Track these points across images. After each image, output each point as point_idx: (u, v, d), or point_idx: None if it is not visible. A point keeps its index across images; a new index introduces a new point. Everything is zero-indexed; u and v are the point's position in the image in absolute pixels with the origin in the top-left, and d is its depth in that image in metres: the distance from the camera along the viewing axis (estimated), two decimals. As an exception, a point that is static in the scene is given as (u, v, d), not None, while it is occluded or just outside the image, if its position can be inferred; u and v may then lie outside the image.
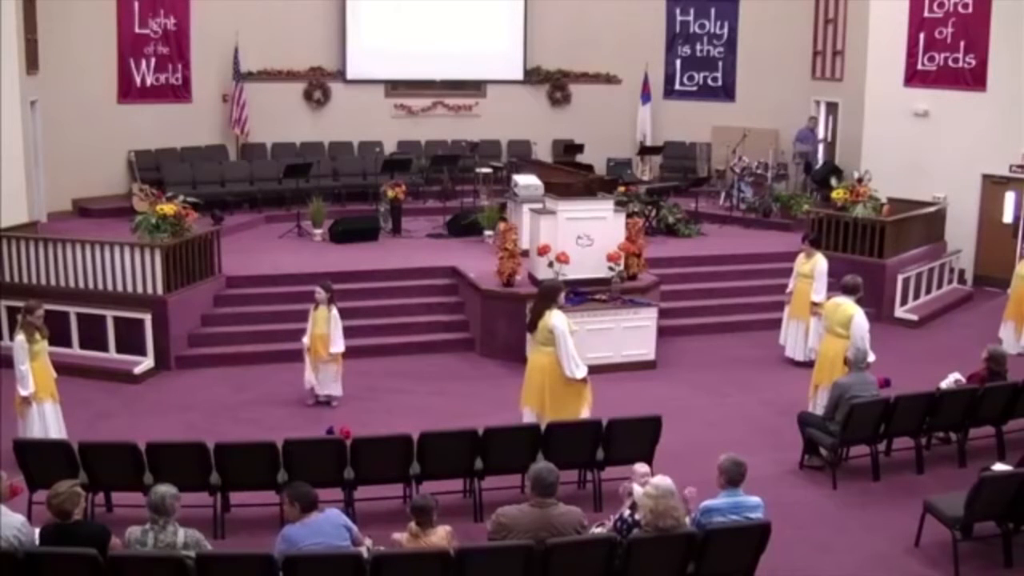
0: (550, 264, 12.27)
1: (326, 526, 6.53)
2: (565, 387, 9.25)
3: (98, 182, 16.97)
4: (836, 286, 11.24)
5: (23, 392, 9.13)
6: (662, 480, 6.56)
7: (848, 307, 10.07)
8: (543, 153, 19.69)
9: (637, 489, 7.22)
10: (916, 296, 14.82)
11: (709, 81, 20.22)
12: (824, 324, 10.67)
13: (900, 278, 14.39)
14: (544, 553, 6.31)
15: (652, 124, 20.11)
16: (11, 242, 12.58)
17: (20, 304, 12.04)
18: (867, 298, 11.14)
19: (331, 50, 19.12)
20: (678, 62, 20.36)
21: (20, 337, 9.17)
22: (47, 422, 9.25)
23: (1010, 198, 15.69)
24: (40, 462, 8.02)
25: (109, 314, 11.97)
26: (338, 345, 10.86)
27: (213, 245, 13.11)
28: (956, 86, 16.08)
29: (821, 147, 18.90)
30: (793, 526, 7.93)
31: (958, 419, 9.54)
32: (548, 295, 9.50)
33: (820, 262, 12.25)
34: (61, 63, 15.90)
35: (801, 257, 12.51)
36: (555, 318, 9.25)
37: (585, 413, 9.28)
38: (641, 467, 7.48)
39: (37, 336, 9.27)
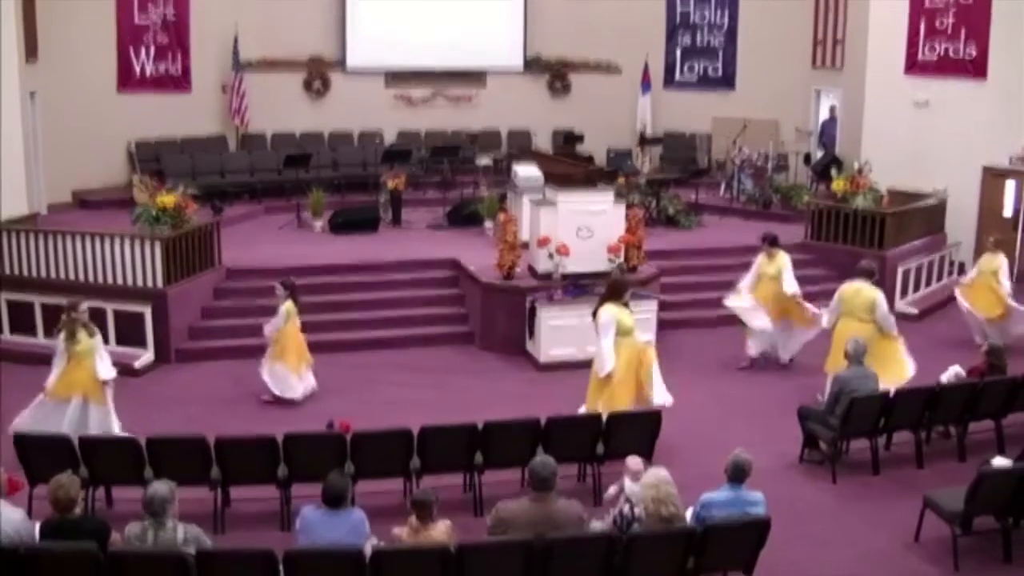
0: (550, 256, 12.27)
1: (343, 527, 6.51)
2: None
3: (98, 173, 16.95)
4: (841, 278, 11.25)
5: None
6: (658, 470, 6.66)
7: (869, 291, 10.24)
8: (543, 143, 19.63)
9: (628, 484, 7.24)
10: (916, 288, 14.79)
11: (709, 71, 20.14)
12: (841, 308, 10.49)
13: (900, 270, 14.37)
14: (544, 548, 6.32)
15: (652, 114, 20.01)
16: (11, 234, 12.56)
17: (19, 297, 12.16)
18: (867, 290, 11.13)
19: (331, 40, 19.05)
20: (678, 52, 20.27)
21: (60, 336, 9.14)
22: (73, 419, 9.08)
23: (1010, 190, 15.66)
24: (40, 457, 8.02)
25: (109, 307, 11.91)
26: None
27: (213, 236, 13.09)
28: (957, 76, 16.04)
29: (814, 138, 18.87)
30: (793, 520, 7.93)
31: (958, 413, 9.55)
32: (614, 290, 9.67)
33: (784, 258, 11.82)
34: (60, 53, 15.84)
35: (763, 258, 11.82)
36: (604, 312, 9.43)
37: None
38: (634, 462, 7.46)
39: (82, 335, 9.11)
